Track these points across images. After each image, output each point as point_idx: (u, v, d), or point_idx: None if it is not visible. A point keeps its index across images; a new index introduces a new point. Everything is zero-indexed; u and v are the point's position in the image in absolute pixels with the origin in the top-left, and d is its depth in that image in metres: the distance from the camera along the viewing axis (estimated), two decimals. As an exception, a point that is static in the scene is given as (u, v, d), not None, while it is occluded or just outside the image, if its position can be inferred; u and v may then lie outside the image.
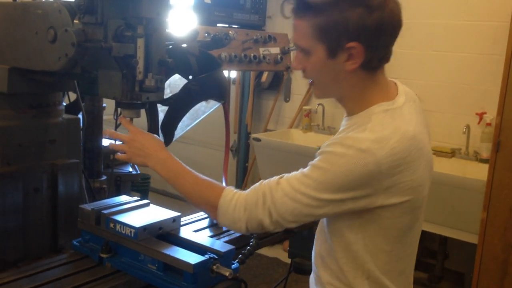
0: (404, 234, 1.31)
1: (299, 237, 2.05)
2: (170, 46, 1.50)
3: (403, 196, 1.22)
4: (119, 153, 1.46)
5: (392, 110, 1.25)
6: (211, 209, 1.33)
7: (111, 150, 2.67)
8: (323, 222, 1.41)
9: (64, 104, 2.11)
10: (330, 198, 1.20)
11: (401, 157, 1.18)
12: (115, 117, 2.39)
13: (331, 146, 1.23)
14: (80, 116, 1.95)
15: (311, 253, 2.02)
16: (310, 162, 1.26)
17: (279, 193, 1.24)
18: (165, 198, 5.55)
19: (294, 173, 1.27)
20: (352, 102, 1.30)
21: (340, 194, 1.19)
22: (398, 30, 1.23)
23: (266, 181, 1.29)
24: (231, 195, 1.30)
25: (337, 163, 1.19)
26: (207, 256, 1.31)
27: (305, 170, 1.25)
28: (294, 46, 1.32)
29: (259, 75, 4.61)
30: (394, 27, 1.22)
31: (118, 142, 1.48)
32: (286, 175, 1.28)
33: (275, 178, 1.28)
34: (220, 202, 1.30)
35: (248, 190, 1.31)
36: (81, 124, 1.90)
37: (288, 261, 2.00)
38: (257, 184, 1.31)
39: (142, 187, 4.48)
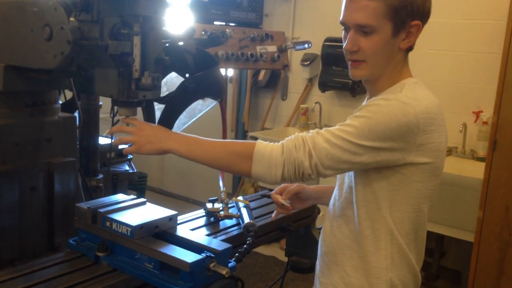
0: (424, 202, 1.40)
1: (296, 236, 2.05)
2: (167, 44, 1.49)
3: (430, 157, 1.33)
4: (127, 147, 1.46)
5: (419, 83, 1.39)
6: (244, 161, 1.34)
7: (108, 148, 2.69)
8: (344, 205, 1.46)
9: (60, 102, 2.11)
10: (369, 145, 1.28)
11: (433, 117, 1.31)
12: (111, 115, 2.38)
13: (373, 101, 1.32)
14: (76, 114, 1.94)
15: (308, 252, 2.03)
16: (350, 116, 1.33)
17: (319, 139, 1.30)
18: (162, 196, 5.55)
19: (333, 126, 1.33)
20: (388, 80, 1.40)
21: (378, 142, 1.28)
22: None
23: (303, 132, 1.34)
24: (265, 143, 1.35)
25: (380, 111, 1.28)
26: (203, 255, 1.31)
27: (346, 121, 1.32)
28: (353, 26, 1.34)
29: (256, 73, 4.60)
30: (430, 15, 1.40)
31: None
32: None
33: (313, 130, 1.34)
34: (255, 149, 1.33)
35: (284, 140, 1.35)
36: (77, 122, 1.90)
37: (285, 259, 2.00)
38: (291, 135, 1.35)
39: (139, 186, 4.48)
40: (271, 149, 1.33)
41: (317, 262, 1.57)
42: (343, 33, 1.40)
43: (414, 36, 1.37)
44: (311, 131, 1.35)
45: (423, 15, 1.36)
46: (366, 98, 1.50)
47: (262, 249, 4.13)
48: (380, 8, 1.30)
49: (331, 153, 1.29)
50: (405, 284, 1.42)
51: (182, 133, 1.45)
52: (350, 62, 1.40)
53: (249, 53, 2.16)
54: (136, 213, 1.48)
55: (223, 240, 1.57)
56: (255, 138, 4.10)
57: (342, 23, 1.38)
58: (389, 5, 1.30)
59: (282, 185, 1.69)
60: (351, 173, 1.44)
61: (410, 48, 1.40)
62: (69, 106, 2.07)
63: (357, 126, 1.28)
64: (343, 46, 1.40)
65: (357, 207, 1.41)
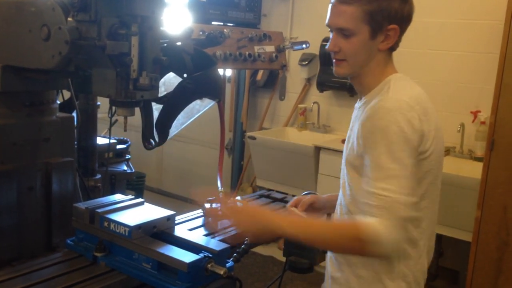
0: (431, 187, 1.47)
1: (294, 236, 2.04)
2: (165, 44, 1.49)
3: (431, 143, 1.40)
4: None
5: (404, 77, 1.49)
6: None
7: (107, 148, 2.68)
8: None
9: (59, 102, 2.11)
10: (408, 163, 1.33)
11: (423, 106, 1.39)
12: (109, 115, 2.38)
13: (370, 133, 1.36)
14: (74, 114, 1.94)
15: (306, 252, 2.03)
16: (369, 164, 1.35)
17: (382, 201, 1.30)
18: (160, 196, 5.55)
19: (371, 182, 1.33)
20: (372, 77, 1.48)
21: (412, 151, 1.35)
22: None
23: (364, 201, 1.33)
24: (368, 223, 1.31)
25: (388, 135, 1.33)
26: (201, 255, 1.31)
27: (375, 172, 1.33)
28: (335, 29, 1.45)
29: (254, 73, 4.60)
30: (412, 19, 1.49)
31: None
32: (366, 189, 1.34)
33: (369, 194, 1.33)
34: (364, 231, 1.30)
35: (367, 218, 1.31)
36: (75, 122, 1.90)
37: (283, 259, 1.99)
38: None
39: (137, 186, 4.48)
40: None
41: (328, 260, 1.61)
42: (330, 35, 1.49)
43: (392, 38, 1.45)
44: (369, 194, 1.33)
45: (402, 19, 1.44)
46: (358, 99, 1.56)
47: (260, 249, 4.13)
48: (356, 13, 1.40)
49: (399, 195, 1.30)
50: (415, 275, 1.48)
51: (283, 214, 1.50)
52: (333, 61, 1.50)
53: (247, 53, 2.16)
54: (134, 213, 1.48)
55: (221, 240, 1.57)
56: (253, 138, 4.11)
57: (327, 25, 1.48)
58: (365, 10, 1.40)
59: (296, 197, 1.77)
60: (345, 171, 1.50)
61: (392, 49, 1.49)
62: (67, 106, 2.07)
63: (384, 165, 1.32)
64: (326, 46, 1.50)
65: (357, 202, 1.43)
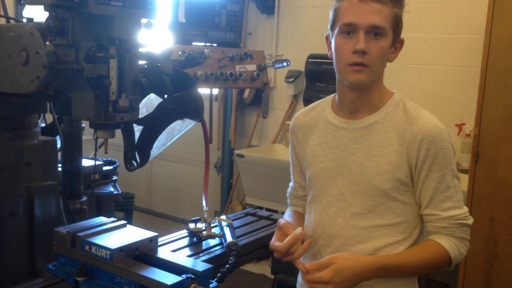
0: None
1: (281, 253, 2.04)
2: (146, 66, 1.50)
3: None
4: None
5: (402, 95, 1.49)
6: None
7: (92, 170, 2.66)
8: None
9: (43, 125, 2.10)
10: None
11: None
12: (94, 137, 2.38)
13: (444, 155, 1.39)
14: (57, 137, 1.94)
15: (293, 269, 2.02)
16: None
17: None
18: (150, 216, 5.51)
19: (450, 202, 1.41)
20: (378, 92, 1.45)
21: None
22: None
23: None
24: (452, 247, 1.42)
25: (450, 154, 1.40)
26: (184, 276, 1.30)
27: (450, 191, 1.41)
28: (367, 27, 1.34)
29: (241, 91, 4.62)
30: None
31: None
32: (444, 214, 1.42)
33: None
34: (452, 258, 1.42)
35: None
36: (59, 146, 1.89)
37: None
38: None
39: (126, 206, 4.45)
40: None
41: None
42: (340, 38, 1.37)
43: (398, 51, 1.44)
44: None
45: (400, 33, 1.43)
46: (327, 111, 1.52)
47: (251, 267, 4.11)
48: (390, 14, 1.36)
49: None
50: None
51: (374, 262, 1.36)
52: (352, 67, 1.36)
53: (228, 72, 2.17)
54: (116, 236, 1.46)
55: (206, 260, 1.56)
56: (242, 156, 4.10)
57: (350, 24, 1.35)
58: (395, 14, 1.37)
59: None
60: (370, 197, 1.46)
61: None
62: (50, 130, 2.07)
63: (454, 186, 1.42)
64: (354, 48, 1.34)
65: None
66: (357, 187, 1.42)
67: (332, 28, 1.42)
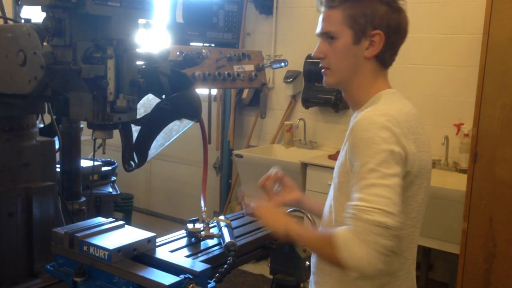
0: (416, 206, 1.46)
1: (280, 253, 2.04)
2: (143, 66, 1.50)
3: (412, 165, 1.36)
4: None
5: (397, 93, 1.46)
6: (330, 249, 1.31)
7: (91, 171, 2.67)
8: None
9: (41, 126, 2.10)
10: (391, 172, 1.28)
11: (411, 125, 1.36)
12: (93, 138, 2.38)
13: (355, 145, 1.32)
14: (56, 138, 1.94)
15: (292, 269, 2.02)
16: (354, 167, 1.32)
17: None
18: (149, 217, 5.51)
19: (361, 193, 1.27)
20: (361, 90, 1.46)
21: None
22: (405, 37, 1.46)
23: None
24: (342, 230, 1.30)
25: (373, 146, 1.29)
26: (182, 277, 1.30)
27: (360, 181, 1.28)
28: (320, 35, 1.47)
29: (240, 92, 4.63)
30: (405, 31, 1.46)
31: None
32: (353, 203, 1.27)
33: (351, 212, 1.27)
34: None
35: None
36: (58, 146, 1.89)
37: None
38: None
39: (125, 207, 4.45)
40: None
41: (311, 279, 1.60)
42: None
43: (377, 45, 1.41)
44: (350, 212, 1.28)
45: (389, 27, 1.41)
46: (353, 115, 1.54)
47: (250, 268, 4.11)
48: (339, 16, 1.41)
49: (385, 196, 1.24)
50: None
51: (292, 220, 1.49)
52: (322, 71, 1.49)
53: (226, 72, 2.17)
54: (114, 236, 1.46)
55: (204, 261, 1.56)
56: (240, 156, 4.11)
57: (316, 35, 1.49)
58: (347, 13, 1.40)
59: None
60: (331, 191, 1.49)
61: (381, 59, 1.44)
62: (48, 130, 2.07)
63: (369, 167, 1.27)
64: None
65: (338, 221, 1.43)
66: (333, 179, 1.50)
67: None
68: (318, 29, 1.47)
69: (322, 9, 1.46)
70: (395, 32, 1.42)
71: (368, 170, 1.26)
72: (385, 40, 1.41)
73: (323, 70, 1.49)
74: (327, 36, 1.44)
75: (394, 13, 1.42)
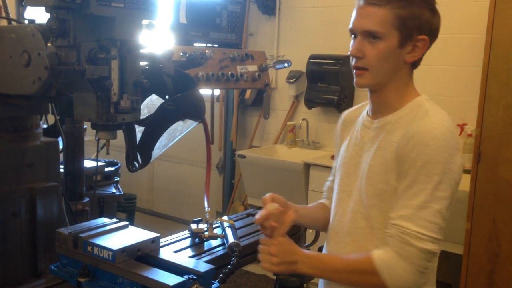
0: None
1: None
2: (147, 67, 1.50)
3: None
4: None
5: (431, 100, 1.43)
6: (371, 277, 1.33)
7: (94, 171, 2.67)
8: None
9: (45, 126, 2.10)
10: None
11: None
12: (96, 138, 2.39)
13: (427, 162, 1.29)
14: (59, 138, 1.94)
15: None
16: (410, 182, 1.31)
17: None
18: (152, 217, 5.52)
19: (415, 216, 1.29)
20: (395, 93, 1.42)
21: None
22: None
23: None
24: (381, 254, 1.33)
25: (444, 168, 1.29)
26: (186, 277, 1.30)
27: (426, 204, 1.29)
28: (360, 32, 1.37)
29: (242, 92, 4.63)
30: (438, 34, 1.43)
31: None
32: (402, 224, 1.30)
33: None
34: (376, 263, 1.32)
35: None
36: (61, 146, 1.89)
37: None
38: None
39: (128, 207, 4.46)
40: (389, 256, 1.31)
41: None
42: (351, 42, 1.41)
43: (420, 50, 1.39)
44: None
45: (431, 32, 1.38)
46: (366, 110, 1.52)
47: (253, 268, 4.11)
48: (388, 16, 1.34)
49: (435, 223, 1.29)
50: None
51: (309, 253, 1.42)
52: (354, 71, 1.41)
53: (229, 73, 2.17)
54: (118, 236, 1.47)
55: (208, 261, 1.56)
56: (243, 156, 4.11)
57: (350, 30, 1.40)
58: (397, 15, 1.33)
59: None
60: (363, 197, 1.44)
61: (416, 64, 1.43)
62: (52, 131, 2.07)
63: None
64: (348, 53, 1.41)
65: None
66: (360, 185, 1.44)
67: None
68: (358, 26, 1.37)
69: (362, 3, 1.37)
70: (434, 36, 1.41)
71: (424, 190, 1.28)
72: (429, 44, 1.39)
73: (357, 70, 1.40)
74: (369, 35, 1.36)
75: (435, 17, 1.39)
